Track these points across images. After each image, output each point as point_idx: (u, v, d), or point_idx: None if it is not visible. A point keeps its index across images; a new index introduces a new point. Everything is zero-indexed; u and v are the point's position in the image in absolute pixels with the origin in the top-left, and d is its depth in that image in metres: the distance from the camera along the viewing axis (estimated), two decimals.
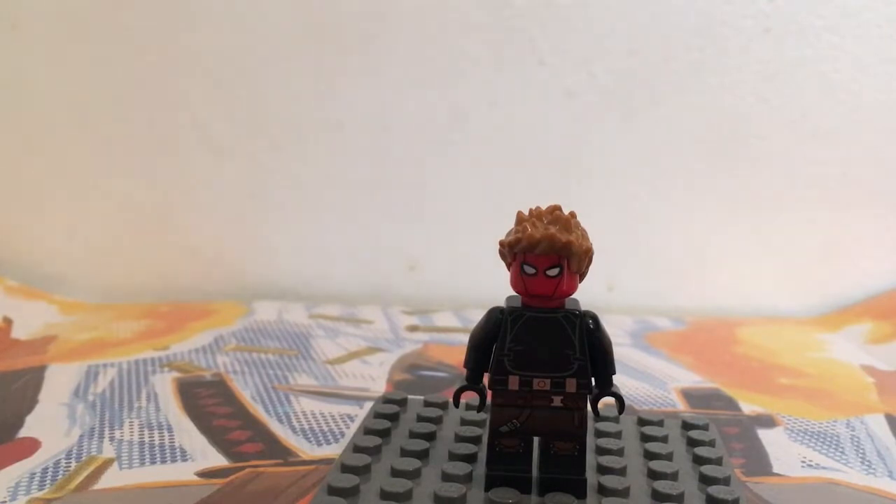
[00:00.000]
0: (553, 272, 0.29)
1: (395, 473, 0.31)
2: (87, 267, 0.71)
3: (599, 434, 0.36)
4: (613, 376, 0.31)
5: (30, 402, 0.43)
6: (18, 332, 0.56)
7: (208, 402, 0.44)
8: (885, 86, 0.68)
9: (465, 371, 0.31)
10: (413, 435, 0.35)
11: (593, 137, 0.69)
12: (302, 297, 0.70)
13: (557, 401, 0.30)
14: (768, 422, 0.44)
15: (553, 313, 0.30)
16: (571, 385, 0.30)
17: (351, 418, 0.42)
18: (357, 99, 0.69)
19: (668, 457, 0.34)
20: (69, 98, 0.69)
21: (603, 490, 0.31)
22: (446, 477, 0.31)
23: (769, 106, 0.68)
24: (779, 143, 0.69)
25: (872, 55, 0.68)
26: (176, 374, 0.48)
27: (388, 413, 0.37)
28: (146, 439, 0.38)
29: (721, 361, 0.56)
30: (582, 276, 0.30)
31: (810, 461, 0.39)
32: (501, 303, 0.31)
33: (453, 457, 0.33)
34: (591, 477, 0.31)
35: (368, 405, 0.43)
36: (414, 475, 0.31)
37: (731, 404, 0.47)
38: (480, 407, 0.32)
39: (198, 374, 0.48)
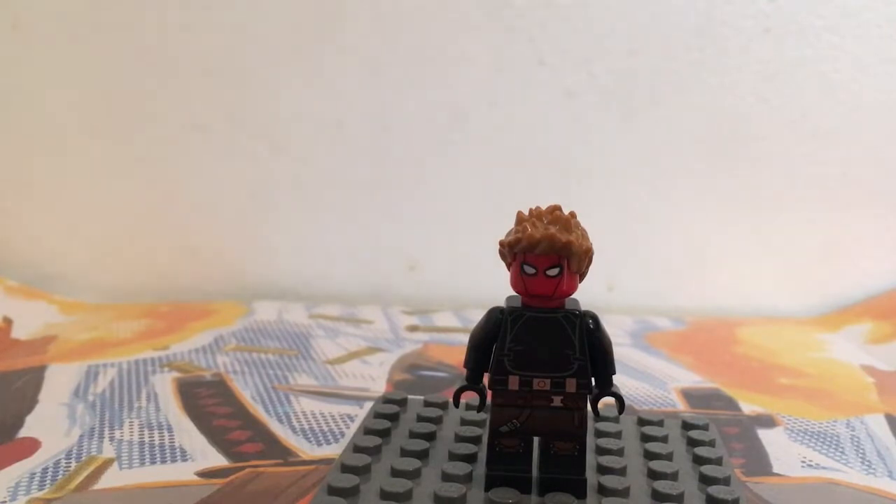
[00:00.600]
0: (553, 272, 0.29)
1: (395, 473, 0.31)
2: (87, 267, 0.71)
3: (599, 434, 0.36)
4: (613, 376, 0.31)
5: (30, 402, 0.43)
6: (18, 332, 0.56)
7: (208, 402, 0.44)
8: (885, 86, 0.68)
9: (465, 371, 0.31)
10: (413, 435, 0.35)
11: (593, 137, 0.69)
12: (302, 297, 0.70)
13: (557, 401, 0.30)
14: (768, 422, 0.44)
15: (553, 313, 0.30)
16: (571, 385, 0.30)
17: (351, 418, 0.42)
18: (357, 99, 0.69)
19: (668, 457, 0.34)
20: (69, 98, 0.69)
21: (603, 490, 0.31)
22: (446, 477, 0.31)
23: (769, 106, 0.68)
24: (779, 143, 0.69)
25: (872, 55, 0.68)
26: (176, 374, 0.48)
27: (388, 413, 0.37)
28: (146, 439, 0.38)
29: (721, 361, 0.56)
30: (582, 276, 0.30)
31: (810, 461, 0.39)
32: (501, 303, 0.31)
33: (453, 457, 0.33)
34: (591, 477, 0.31)
35: (368, 405, 0.43)
36: (414, 475, 0.31)
37: (731, 404, 0.47)
38: (480, 407, 0.32)
39: (198, 374, 0.48)
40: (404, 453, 0.33)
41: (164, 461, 0.36)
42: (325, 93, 0.68)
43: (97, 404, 0.43)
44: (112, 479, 0.34)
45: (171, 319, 0.61)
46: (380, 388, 0.47)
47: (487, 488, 0.31)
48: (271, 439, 0.39)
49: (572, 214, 0.30)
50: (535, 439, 0.31)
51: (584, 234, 0.30)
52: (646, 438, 0.36)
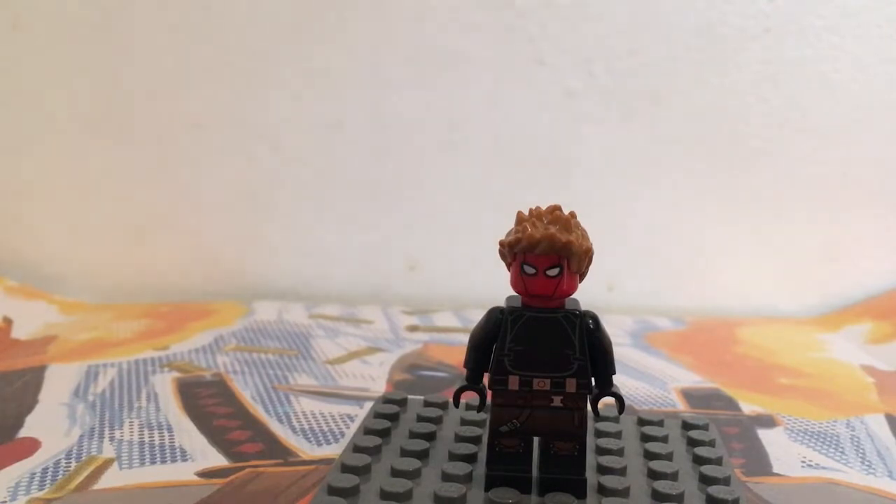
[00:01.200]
0: (553, 272, 0.29)
1: (395, 473, 0.31)
2: (87, 267, 0.71)
3: (599, 434, 0.36)
4: (613, 376, 0.31)
5: (30, 402, 0.43)
6: (18, 332, 0.56)
7: (208, 402, 0.44)
8: (885, 86, 0.68)
9: (465, 371, 0.31)
10: (413, 435, 0.35)
11: (593, 137, 0.69)
12: (302, 297, 0.70)
13: (557, 401, 0.30)
14: (768, 422, 0.44)
15: (553, 313, 0.30)
16: (571, 385, 0.30)
17: (351, 418, 0.42)
18: (357, 99, 0.69)
19: (668, 457, 0.34)
20: (69, 98, 0.69)
21: (603, 490, 0.31)
22: (446, 477, 0.31)
23: (769, 106, 0.68)
24: (779, 143, 0.69)
25: (872, 55, 0.68)
26: (176, 374, 0.48)
27: (388, 413, 0.37)
28: (146, 439, 0.38)
29: (721, 361, 0.56)
30: (582, 276, 0.30)
31: (810, 461, 0.39)
32: (501, 303, 0.31)
33: (453, 457, 0.33)
34: (591, 477, 0.31)
35: (368, 405, 0.43)
36: (414, 475, 0.31)
37: (731, 404, 0.47)
38: (480, 407, 0.32)
39: (198, 374, 0.48)
40: (404, 453, 0.33)
41: (164, 461, 0.36)
42: (325, 93, 0.68)
43: (97, 404, 0.43)
44: (112, 479, 0.34)
45: (171, 319, 0.61)
46: (380, 388, 0.47)
47: (487, 488, 0.31)
48: (271, 439, 0.39)
49: (572, 214, 0.30)
50: (535, 439, 0.31)
51: (584, 234, 0.30)
52: (646, 438, 0.36)
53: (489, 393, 0.31)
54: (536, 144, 0.69)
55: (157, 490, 0.33)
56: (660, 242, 0.71)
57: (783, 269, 0.71)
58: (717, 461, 0.34)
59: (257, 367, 0.50)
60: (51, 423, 0.40)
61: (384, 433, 0.35)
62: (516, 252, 0.30)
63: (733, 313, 0.70)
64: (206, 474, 0.35)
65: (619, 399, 0.31)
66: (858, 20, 0.67)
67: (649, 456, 0.34)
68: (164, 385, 0.46)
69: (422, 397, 0.40)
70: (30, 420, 0.40)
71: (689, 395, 0.48)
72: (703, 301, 0.71)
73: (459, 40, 0.68)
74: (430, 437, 0.35)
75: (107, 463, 0.36)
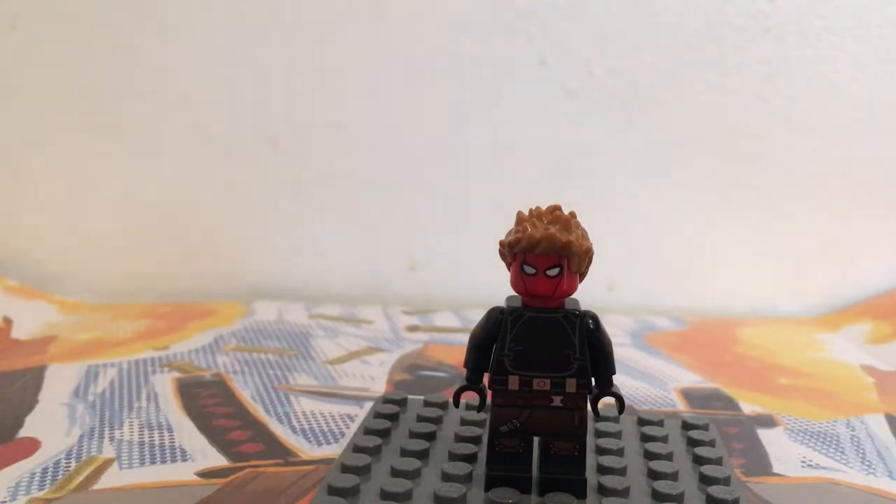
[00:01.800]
0: (553, 272, 0.29)
1: (395, 473, 0.31)
2: (87, 267, 0.71)
3: (599, 434, 0.36)
4: (613, 376, 0.31)
5: (30, 402, 0.43)
6: (18, 332, 0.56)
7: (208, 402, 0.44)
8: (885, 86, 0.68)
9: (465, 371, 0.31)
10: (413, 435, 0.35)
11: (593, 137, 0.69)
12: (302, 297, 0.70)
13: (557, 401, 0.30)
14: (768, 422, 0.44)
15: (553, 313, 0.30)
16: (571, 385, 0.30)
17: (351, 418, 0.42)
18: (357, 99, 0.69)
19: (668, 457, 0.34)
20: (69, 98, 0.69)
21: (603, 490, 0.31)
22: (446, 477, 0.31)
23: (769, 106, 0.68)
24: (779, 143, 0.69)
25: (872, 55, 0.68)
26: (176, 374, 0.48)
27: (388, 413, 0.37)
28: (146, 439, 0.38)
29: (721, 361, 0.56)
30: (582, 276, 0.30)
31: (810, 461, 0.39)
32: (501, 303, 0.31)
33: (453, 457, 0.33)
34: (591, 477, 0.31)
35: (368, 405, 0.43)
36: (414, 475, 0.31)
37: (731, 404, 0.47)
38: (480, 407, 0.32)
39: (198, 374, 0.48)
40: (404, 453, 0.33)
41: (164, 461, 0.36)
42: (325, 93, 0.68)
43: (97, 404, 0.43)
44: (112, 479, 0.34)
45: (171, 319, 0.61)
46: (380, 388, 0.47)
47: (487, 488, 0.31)
48: (271, 439, 0.39)
49: (572, 214, 0.30)
50: (535, 439, 0.31)
51: (584, 234, 0.30)
52: (646, 438, 0.36)
53: (489, 393, 0.31)
54: (536, 144, 0.69)
55: (157, 490, 0.33)
56: (660, 242, 0.71)
57: (783, 269, 0.71)
58: (717, 461, 0.34)
59: (257, 367, 0.50)
60: (51, 423, 0.40)
61: (384, 433, 0.35)
62: (516, 252, 0.30)
63: (733, 313, 0.70)
64: (206, 474, 0.35)
65: (619, 399, 0.31)
66: (858, 20, 0.67)
67: (649, 456, 0.34)
68: (164, 385, 0.46)
69: (422, 397, 0.40)
70: (30, 420, 0.40)
71: (689, 395, 0.48)
72: (703, 301, 0.71)
73: (459, 40, 0.68)
74: (430, 437, 0.35)
75: (107, 463, 0.36)
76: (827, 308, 0.71)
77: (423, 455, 0.33)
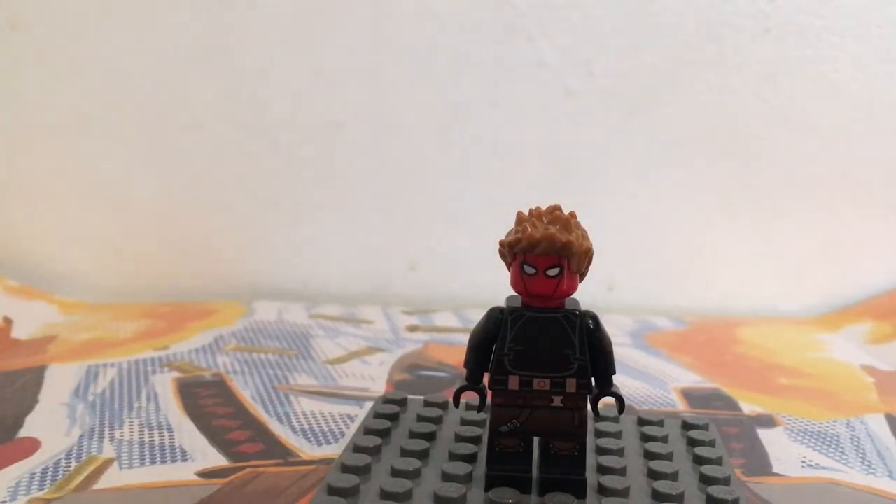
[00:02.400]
0: (553, 272, 0.29)
1: (395, 473, 0.31)
2: (87, 267, 0.71)
3: (599, 434, 0.36)
4: (613, 376, 0.31)
5: (30, 402, 0.43)
6: (18, 332, 0.56)
7: (208, 402, 0.44)
8: (885, 86, 0.68)
9: (465, 371, 0.31)
10: (413, 435, 0.35)
11: (593, 137, 0.69)
12: (302, 297, 0.70)
13: (557, 401, 0.30)
14: (768, 422, 0.44)
15: (553, 313, 0.30)
16: (571, 385, 0.30)
17: (351, 418, 0.42)
18: (357, 99, 0.69)
19: (668, 457, 0.34)
20: (69, 98, 0.69)
21: (603, 490, 0.31)
22: (446, 477, 0.31)
23: (769, 106, 0.68)
24: (779, 143, 0.69)
25: (872, 55, 0.68)
26: (176, 374, 0.48)
27: (388, 413, 0.37)
28: (146, 439, 0.38)
29: (721, 361, 0.56)
30: (582, 276, 0.30)
31: (810, 461, 0.39)
32: (501, 303, 0.31)
33: (453, 457, 0.33)
34: (591, 477, 0.31)
35: (368, 405, 0.43)
36: (414, 475, 0.31)
37: (731, 404, 0.47)
38: (480, 407, 0.32)
39: (198, 374, 0.48)
40: (404, 453, 0.33)
41: (164, 461, 0.36)
42: (325, 93, 0.68)
43: (97, 404, 0.43)
44: (112, 479, 0.34)
45: (171, 319, 0.61)
46: (380, 388, 0.47)
47: (487, 488, 0.31)
48: (271, 439, 0.39)
49: (572, 214, 0.30)
50: (535, 439, 0.31)
51: (584, 234, 0.30)
52: (646, 438, 0.36)
53: (489, 393, 0.31)
54: (536, 144, 0.69)
55: (157, 490, 0.33)
56: (660, 242, 0.71)
57: (783, 269, 0.71)
58: (717, 461, 0.34)
59: (257, 367, 0.50)
60: (51, 423, 0.40)
61: (384, 433, 0.35)
62: (516, 252, 0.30)
63: (733, 313, 0.70)
64: (206, 474, 0.35)
65: (619, 399, 0.31)
66: (858, 20, 0.67)
67: (649, 456, 0.34)
68: (164, 385, 0.46)
69: (422, 397, 0.40)
70: (30, 420, 0.40)
71: (689, 395, 0.48)
72: (703, 301, 0.71)
73: (459, 40, 0.68)
74: (430, 437, 0.35)
75: (107, 463, 0.36)
76: (827, 308, 0.71)
77: (423, 455, 0.33)
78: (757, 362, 0.56)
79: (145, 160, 0.70)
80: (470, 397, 0.32)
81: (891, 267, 0.71)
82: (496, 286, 0.36)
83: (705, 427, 0.38)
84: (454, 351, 0.55)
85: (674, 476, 0.32)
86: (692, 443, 0.36)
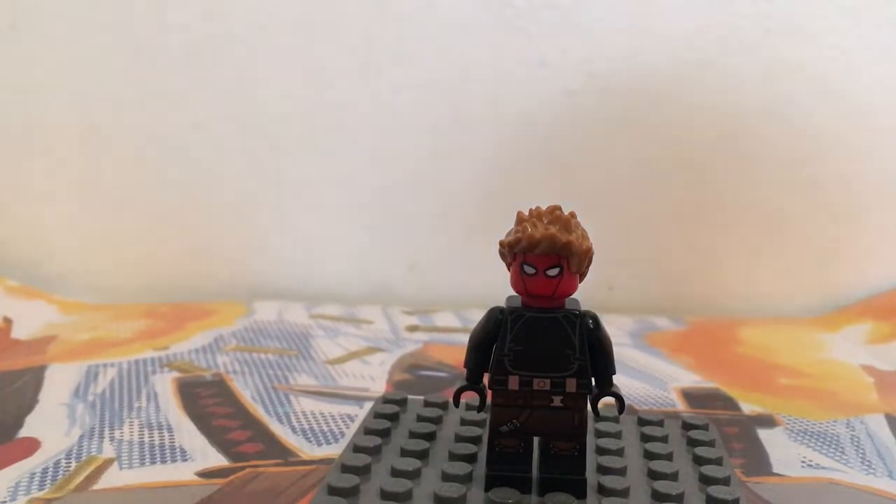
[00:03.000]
0: (553, 272, 0.29)
1: (395, 473, 0.31)
2: (87, 267, 0.71)
3: (599, 434, 0.36)
4: (613, 376, 0.31)
5: (30, 402, 0.43)
6: (18, 332, 0.56)
7: (208, 402, 0.44)
8: (885, 86, 0.68)
9: (465, 371, 0.31)
10: (413, 435, 0.35)
11: (593, 137, 0.69)
12: (302, 297, 0.70)
13: (557, 401, 0.30)
14: (768, 422, 0.44)
15: (553, 313, 0.30)
16: (571, 385, 0.30)
17: (351, 418, 0.42)
18: (357, 99, 0.69)
19: (668, 457, 0.34)
20: (69, 98, 0.69)
21: (603, 490, 0.31)
22: (446, 477, 0.31)
23: (769, 106, 0.68)
24: (779, 144, 0.69)
25: (872, 55, 0.68)
26: (176, 374, 0.48)
27: (388, 413, 0.37)
28: (146, 439, 0.38)
29: (721, 361, 0.56)
30: (582, 276, 0.30)
31: (810, 461, 0.39)
32: (501, 303, 0.31)
33: (453, 457, 0.33)
34: (591, 477, 0.31)
35: (368, 405, 0.43)
36: (414, 475, 0.31)
37: (731, 404, 0.47)
38: (480, 407, 0.32)
39: (198, 374, 0.48)
40: (404, 453, 0.33)
41: (164, 461, 0.36)
42: (325, 93, 0.68)
43: (97, 404, 0.43)
44: (112, 479, 0.34)
45: (171, 319, 0.61)
46: (380, 388, 0.47)
47: (487, 488, 0.31)
48: (271, 439, 0.39)
49: (572, 214, 0.30)
50: (535, 439, 0.31)
51: (584, 234, 0.30)
52: (646, 438, 0.36)
53: (489, 393, 0.31)
54: (536, 144, 0.69)
55: (157, 490, 0.33)
56: (660, 242, 0.71)
57: (783, 269, 0.71)
58: (717, 461, 0.34)
59: (257, 367, 0.50)
60: (51, 423, 0.40)
61: (384, 433, 0.35)
62: (516, 252, 0.30)
63: (733, 313, 0.70)
64: (206, 474, 0.35)
65: (619, 399, 0.31)
66: (858, 20, 0.67)
67: (649, 456, 0.34)
68: (164, 385, 0.46)
69: (422, 397, 0.40)
70: (30, 420, 0.40)
71: (689, 395, 0.48)
72: (703, 301, 0.71)
73: (459, 40, 0.68)
74: (430, 437, 0.35)
75: (107, 463, 0.36)
76: (827, 308, 0.71)
77: (423, 455, 0.33)
78: (757, 362, 0.56)
79: (145, 160, 0.70)
80: (470, 397, 0.32)
81: (891, 267, 0.71)
82: (496, 286, 0.36)
83: (705, 427, 0.38)
84: (454, 351, 0.55)
85: (674, 476, 0.32)
86: (692, 443, 0.36)
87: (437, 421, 0.37)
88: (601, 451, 0.34)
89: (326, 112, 0.69)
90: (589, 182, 0.70)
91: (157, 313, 0.63)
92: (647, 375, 0.52)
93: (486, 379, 0.31)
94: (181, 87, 0.68)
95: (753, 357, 0.57)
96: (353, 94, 0.69)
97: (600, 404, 0.31)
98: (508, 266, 0.30)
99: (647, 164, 0.69)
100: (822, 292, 0.71)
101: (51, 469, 0.35)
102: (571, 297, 0.31)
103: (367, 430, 0.35)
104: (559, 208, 0.30)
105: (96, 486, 0.33)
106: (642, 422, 0.38)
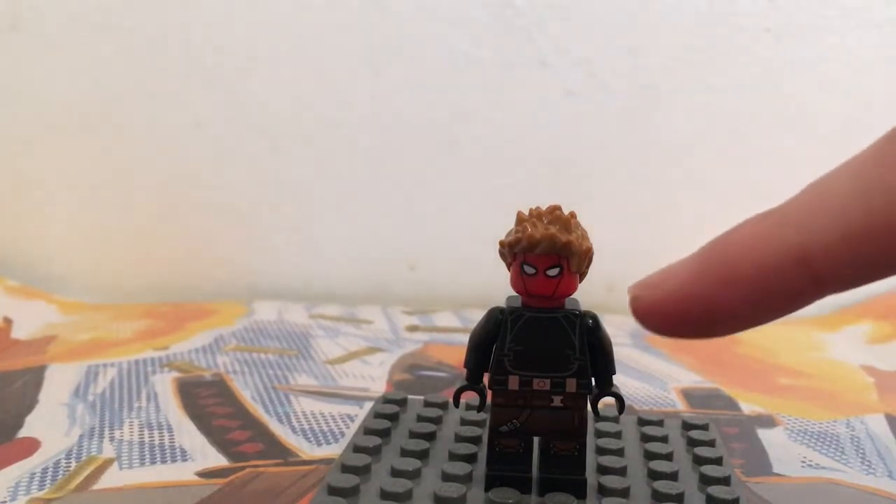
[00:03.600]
0: (553, 272, 0.29)
1: (395, 473, 0.31)
2: (87, 267, 0.71)
3: (599, 434, 0.36)
4: (613, 376, 0.31)
5: (30, 402, 0.43)
6: (18, 332, 0.56)
7: (208, 402, 0.44)
8: (885, 86, 0.68)
9: (465, 371, 0.31)
10: (413, 435, 0.35)
11: (593, 137, 0.69)
12: (302, 297, 0.70)
13: (557, 401, 0.30)
14: (768, 422, 0.44)
15: (553, 313, 0.30)
16: (571, 385, 0.30)
17: (351, 418, 0.42)
18: (357, 99, 0.69)
19: (668, 457, 0.34)
20: (69, 98, 0.69)
21: (603, 490, 0.31)
22: (446, 477, 0.31)
23: (769, 106, 0.68)
24: (779, 143, 0.69)
25: (872, 55, 0.68)
26: (176, 374, 0.48)
27: (388, 413, 0.37)
28: (146, 439, 0.38)
29: (721, 361, 0.56)
30: (582, 276, 0.30)
31: (810, 461, 0.39)
32: (501, 303, 0.31)
33: (453, 457, 0.33)
34: (591, 477, 0.31)
35: (368, 405, 0.43)
36: (414, 475, 0.31)
37: (731, 404, 0.46)
38: (480, 407, 0.32)
39: (198, 374, 0.48)
40: (404, 453, 0.33)
41: (164, 461, 0.36)
42: (326, 93, 0.68)
43: (97, 404, 0.43)
44: (112, 479, 0.34)
45: (171, 319, 0.61)
46: (380, 388, 0.47)
47: (487, 488, 0.31)
48: (271, 439, 0.39)
49: (572, 214, 0.30)
50: (535, 439, 0.31)
51: (584, 234, 0.30)
52: (646, 438, 0.36)
53: (489, 393, 0.31)
54: (536, 144, 0.69)
55: (157, 490, 0.33)
56: (660, 242, 0.71)
57: None
58: (717, 461, 0.34)
59: (257, 367, 0.50)
60: (51, 423, 0.40)
61: (384, 433, 0.35)
62: (516, 252, 0.30)
63: None
64: (206, 474, 0.35)
65: (619, 399, 0.31)
66: (858, 20, 0.67)
67: (649, 456, 0.34)
68: (164, 385, 0.46)
69: (422, 397, 0.40)
70: (30, 420, 0.40)
71: (689, 395, 0.48)
72: None
73: (459, 40, 0.68)
74: (430, 437, 0.35)
75: (107, 463, 0.36)
76: (827, 308, 0.71)
77: (423, 455, 0.33)
78: (757, 362, 0.56)
79: (145, 160, 0.70)
80: (470, 397, 0.32)
81: None
82: (496, 286, 0.36)
83: (705, 427, 0.38)
84: (454, 351, 0.55)
85: (674, 476, 0.32)
86: (692, 443, 0.36)
87: (437, 421, 0.37)
88: (601, 451, 0.34)
89: (326, 112, 0.69)
90: (589, 182, 0.70)
91: (157, 313, 0.63)
92: (647, 375, 0.52)
93: (486, 379, 0.31)
94: (181, 87, 0.68)
95: (753, 357, 0.57)
96: (353, 94, 0.69)
97: (600, 404, 0.31)
98: (508, 266, 0.30)
99: (647, 163, 0.70)
100: None
101: (51, 469, 0.35)
102: (571, 297, 0.31)
103: (367, 430, 0.35)
104: (559, 208, 0.30)
105: (96, 486, 0.33)
106: (642, 422, 0.38)
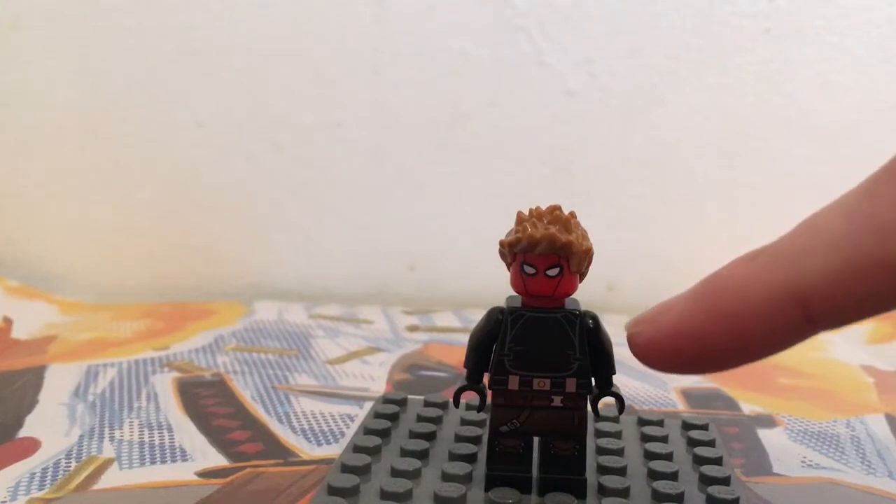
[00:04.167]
0: (553, 272, 0.29)
1: (395, 473, 0.31)
2: (87, 267, 0.71)
3: (599, 434, 0.36)
4: (613, 376, 0.31)
5: (30, 402, 0.43)
6: (18, 332, 0.56)
7: (208, 402, 0.44)
8: (885, 86, 0.68)
9: (465, 371, 0.31)
10: (413, 435, 0.35)
11: (593, 137, 0.69)
12: (302, 297, 0.70)
13: (557, 401, 0.30)
14: (768, 422, 0.44)
15: (553, 313, 0.30)
16: (571, 385, 0.30)
17: (351, 418, 0.42)
18: (357, 99, 0.69)
19: (668, 457, 0.34)
20: (69, 98, 0.69)
21: (603, 490, 0.31)
22: (446, 477, 0.31)
23: (769, 106, 0.68)
24: (779, 143, 0.69)
25: (872, 55, 0.68)
26: (176, 374, 0.48)
27: (388, 413, 0.37)
28: (146, 439, 0.38)
29: None
30: (582, 276, 0.30)
31: (810, 461, 0.39)
32: (501, 303, 0.31)
33: (453, 457, 0.33)
34: (591, 477, 0.31)
35: (368, 405, 0.43)
36: (414, 475, 0.31)
37: (731, 404, 0.47)
38: (480, 407, 0.32)
39: (198, 374, 0.48)
40: (404, 453, 0.33)
41: (164, 461, 0.36)
42: (325, 93, 0.68)
43: (97, 404, 0.43)
44: (112, 479, 0.34)
45: (171, 319, 0.61)
46: (380, 388, 0.47)
47: (487, 488, 0.31)
48: (271, 439, 0.39)
49: (572, 214, 0.30)
50: (535, 439, 0.31)
51: (584, 234, 0.30)
52: (646, 438, 0.36)
53: (489, 393, 0.31)
54: (536, 144, 0.69)
55: (157, 490, 0.33)
56: (660, 242, 0.71)
57: None
58: (717, 461, 0.34)
59: (257, 367, 0.50)
60: (51, 423, 0.40)
61: (384, 433, 0.35)
62: (516, 252, 0.30)
63: None
64: (206, 474, 0.35)
65: (620, 399, 0.31)
66: (858, 20, 0.67)
67: (649, 456, 0.34)
68: (164, 385, 0.46)
69: (422, 397, 0.40)
70: (30, 420, 0.40)
71: (689, 395, 0.48)
72: None
73: (459, 40, 0.68)
74: (430, 437, 0.35)
75: (107, 463, 0.36)
76: None
77: (423, 455, 0.33)
78: (757, 362, 0.56)
79: (145, 160, 0.70)
80: (470, 397, 0.32)
81: None
82: (496, 286, 0.36)
83: (705, 427, 0.38)
84: (454, 351, 0.55)
85: (674, 476, 0.32)
86: (692, 443, 0.36)
87: (437, 421, 0.37)
88: (601, 451, 0.34)
89: (326, 112, 0.69)
90: (589, 182, 0.70)
91: (157, 313, 0.63)
92: (647, 375, 0.52)
93: (486, 379, 0.31)
94: (181, 87, 0.68)
95: None
96: (353, 94, 0.69)
97: (600, 404, 0.31)
98: (508, 266, 0.30)
99: (647, 163, 0.69)
100: None
101: (51, 469, 0.35)
102: (571, 297, 0.31)
103: (367, 430, 0.35)
104: (559, 208, 0.30)
105: (96, 486, 0.33)
106: (642, 422, 0.38)
